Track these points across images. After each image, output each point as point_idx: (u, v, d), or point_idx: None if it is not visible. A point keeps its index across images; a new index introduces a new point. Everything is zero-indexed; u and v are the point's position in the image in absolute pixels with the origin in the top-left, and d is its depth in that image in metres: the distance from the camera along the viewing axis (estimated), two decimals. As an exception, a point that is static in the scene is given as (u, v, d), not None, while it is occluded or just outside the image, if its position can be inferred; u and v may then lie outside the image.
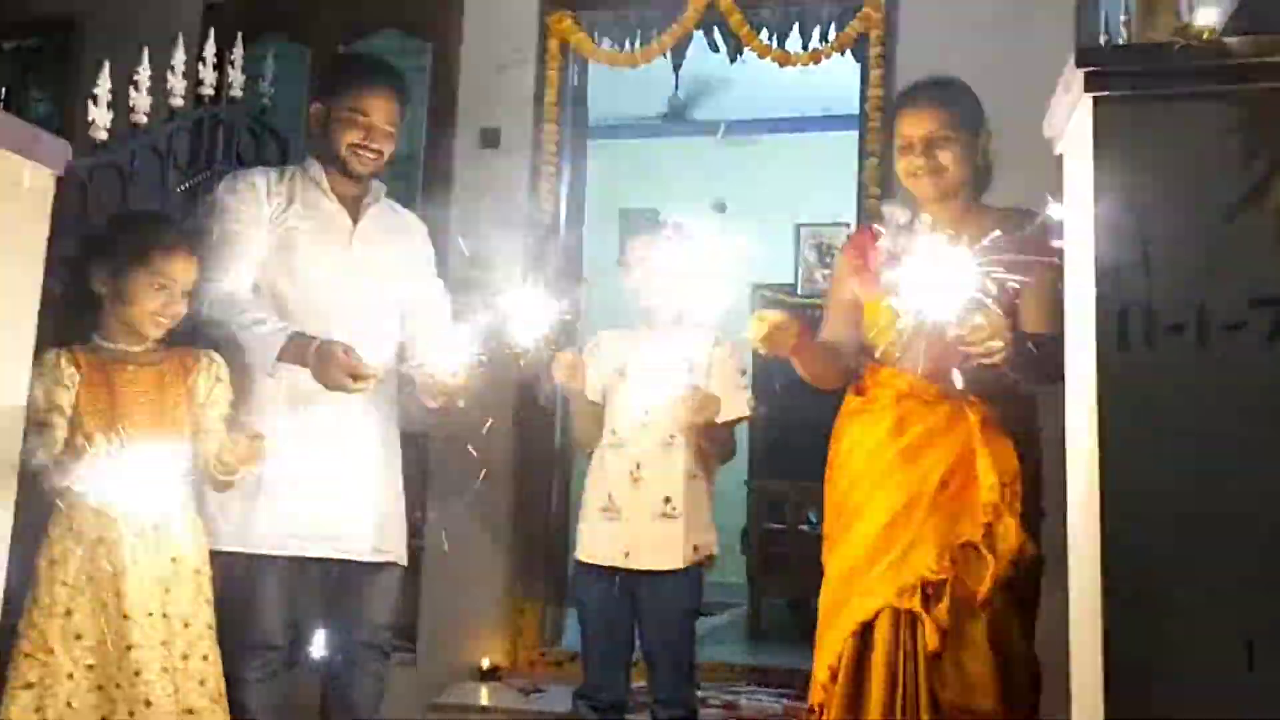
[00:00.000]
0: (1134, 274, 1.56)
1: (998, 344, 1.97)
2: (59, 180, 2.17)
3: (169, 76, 2.73)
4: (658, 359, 2.60)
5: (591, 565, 2.66)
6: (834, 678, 2.20)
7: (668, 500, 2.60)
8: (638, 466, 2.62)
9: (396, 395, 2.69)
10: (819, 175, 5.78)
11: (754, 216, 6.84)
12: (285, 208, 2.56)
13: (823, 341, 2.43)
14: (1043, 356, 1.97)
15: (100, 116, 2.45)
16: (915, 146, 2.31)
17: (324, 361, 2.32)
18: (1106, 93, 1.60)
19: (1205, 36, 1.57)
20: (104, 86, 2.47)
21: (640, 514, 2.60)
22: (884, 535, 2.20)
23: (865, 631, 2.18)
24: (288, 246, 2.54)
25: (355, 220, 2.63)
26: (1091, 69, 1.60)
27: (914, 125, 2.32)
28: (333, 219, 2.61)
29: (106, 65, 2.49)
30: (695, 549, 2.62)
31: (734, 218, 6.90)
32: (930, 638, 2.10)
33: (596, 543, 2.66)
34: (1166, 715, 1.49)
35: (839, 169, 4.04)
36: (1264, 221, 1.54)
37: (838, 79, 3.92)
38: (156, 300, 2.27)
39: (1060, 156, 1.85)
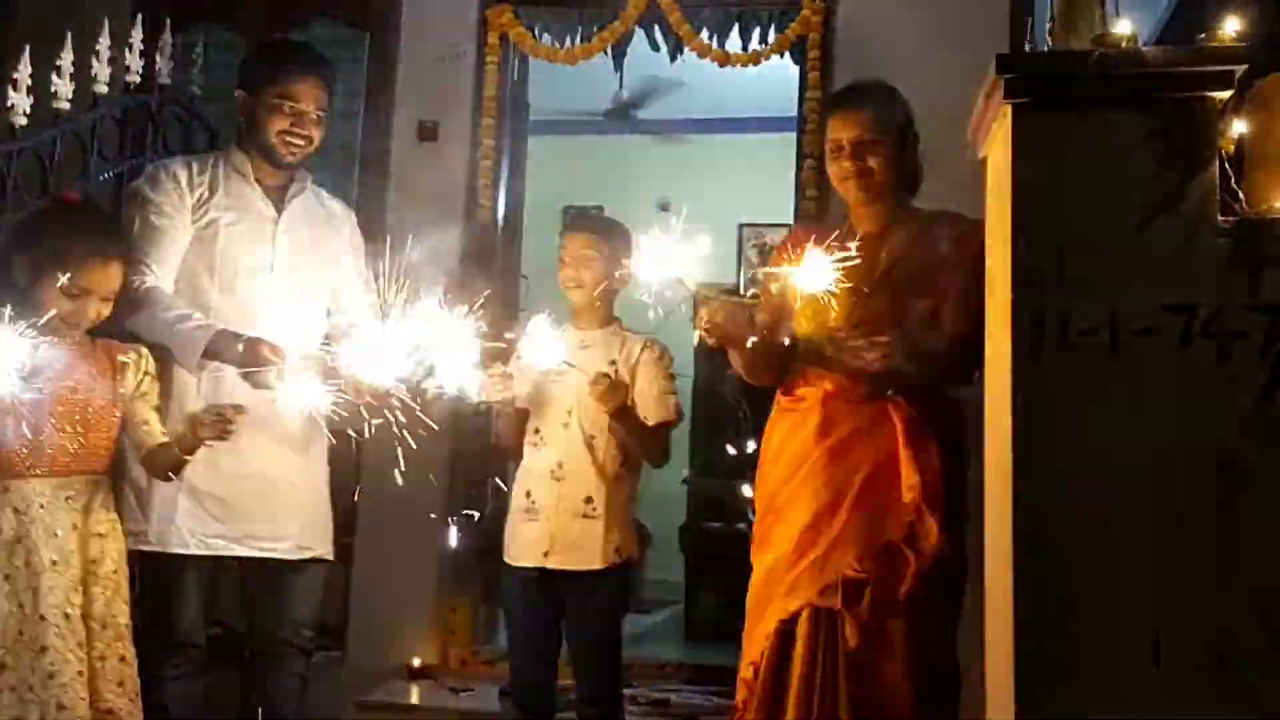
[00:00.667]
0: (1049, 278, 1.59)
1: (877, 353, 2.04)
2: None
3: (94, 63, 2.66)
4: (583, 360, 2.60)
5: (516, 566, 2.65)
6: (756, 675, 2.21)
7: (589, 500, 2.59)
8: (559, 465, 2.61)
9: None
10: (762, 175, 5.80)
11: (697, 216, 6.90)
12: (208, 198, 2.51)
13: (757, 338, 2.43)
14: (942, 358, 1.99)
15: (20, 102, 2.40)
16: (844, 149, 2.33)
17: (251, 360, 2.27)
18: (1025, 100, 1.62)
19: (1123, 45, 1.60)
20: (24, 72, 2.42)
21: (560, 513, 2.60)
22: (807, 534, 2.21)
23: (787, 629, 2.19)
24: (210, 238, 2.49)
25: (280, 210, 2.59)
26: (1011, 76, 1.62)
27: (843, 129, 2.34)
28: (257, 209, 2.57)
29: (27, 50, 2.44)
30: (616, 550, 2.62)
31: (677, 216, 6.93)
32: (850, 636, 2.11)
33: (518, 543, 2.65)
34: (1077, 712, 1.51)
35: (781, 169, 4.05)
36: (1177, 229, 1.57)
37: (780, 80, 3.94)
38: (66, 305, 2.20)
39: (983, 161, 1.87)
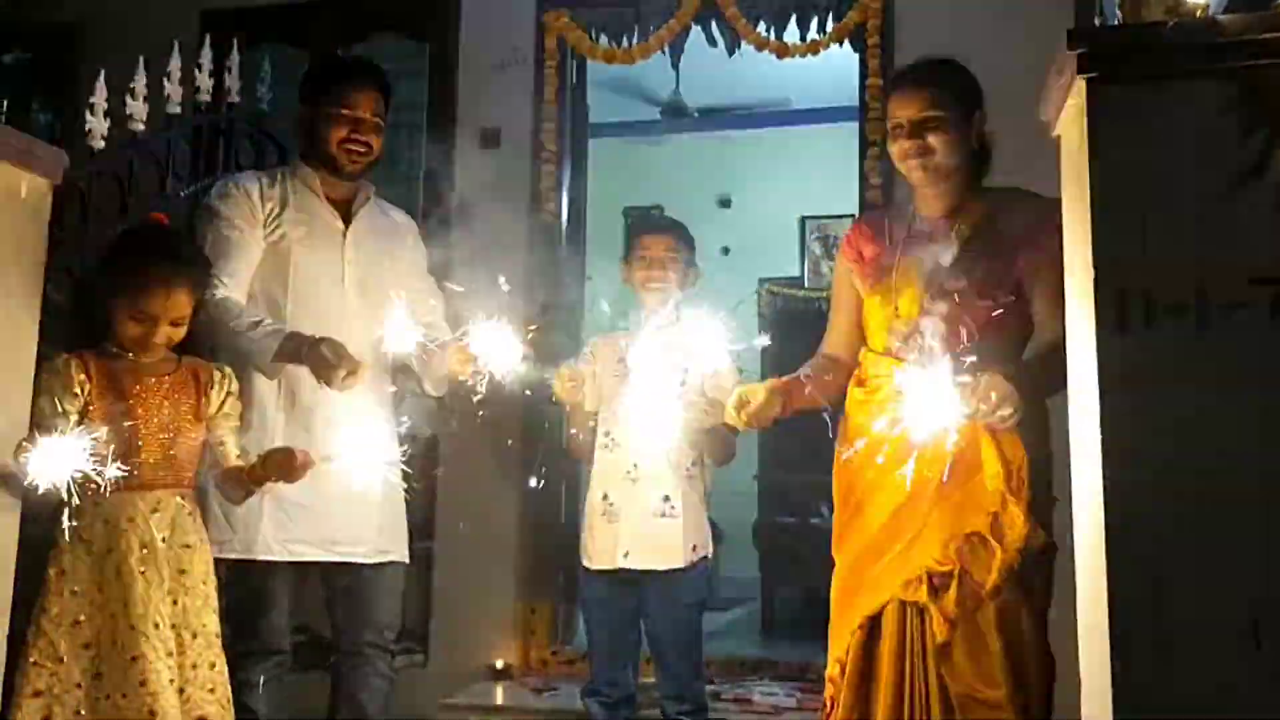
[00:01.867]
0: (1131, 256, 1.55)
1: (1008, 410, 1.97)
2: (58, 190, 2.18)
3: (165, 84, 2.73)
4: (650, 360, 2.59)
5: (596, 569, 2.66)
6: (843, 671, 2.18)
7: (666, 499, 2.60)
8: (635, 466, 2.62)
9: (392, 396, 2.68)
10: (823, 167, 5.78)
11: (759, 211, 6.88)
12: (278, 212, 2.56)
13: (813, 376, 2.39)
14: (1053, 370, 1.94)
15: (97, 125, 2.46)
16: (904, 129, 2.25)
17: (316, 358, 2.32)
18: (1099, 74, 1.58)
19: (1198, 14, 1.56)
20: (100, 95, 2.47)
21: (639, 514, 2.61)
22: (889, 527, 2.17)
23: (873, 624, 2.16)
24: (282, 251, 2.54)
25: (347, 222, 2.63)
26: (1083, 50, 1.58)
27: (903, 107, 2.27)
28: (325, 222, 2.61)
29: (102, 74, 2.50)
30: (694, 548, 2.62)
31: (739, 213, 6.90)
32: (938, 629, 2.08)
33: (597, 545, 2.67)
34: (1174, 698, 1.48)
35: (843, 161, 4.03)
36: (1262, 199, 1.52)
37: (840, 69, 3.91)
38: (137, 330, 2.24)
39: (1057, 139, 1.83)
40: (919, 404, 1.98)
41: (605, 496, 2.66)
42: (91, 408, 2.18)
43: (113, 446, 2.13)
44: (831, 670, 2.23)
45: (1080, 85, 1.61)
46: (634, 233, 2.80)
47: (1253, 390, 1.50)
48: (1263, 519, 1.48)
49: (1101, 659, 1.53)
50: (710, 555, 2.70)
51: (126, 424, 2.19)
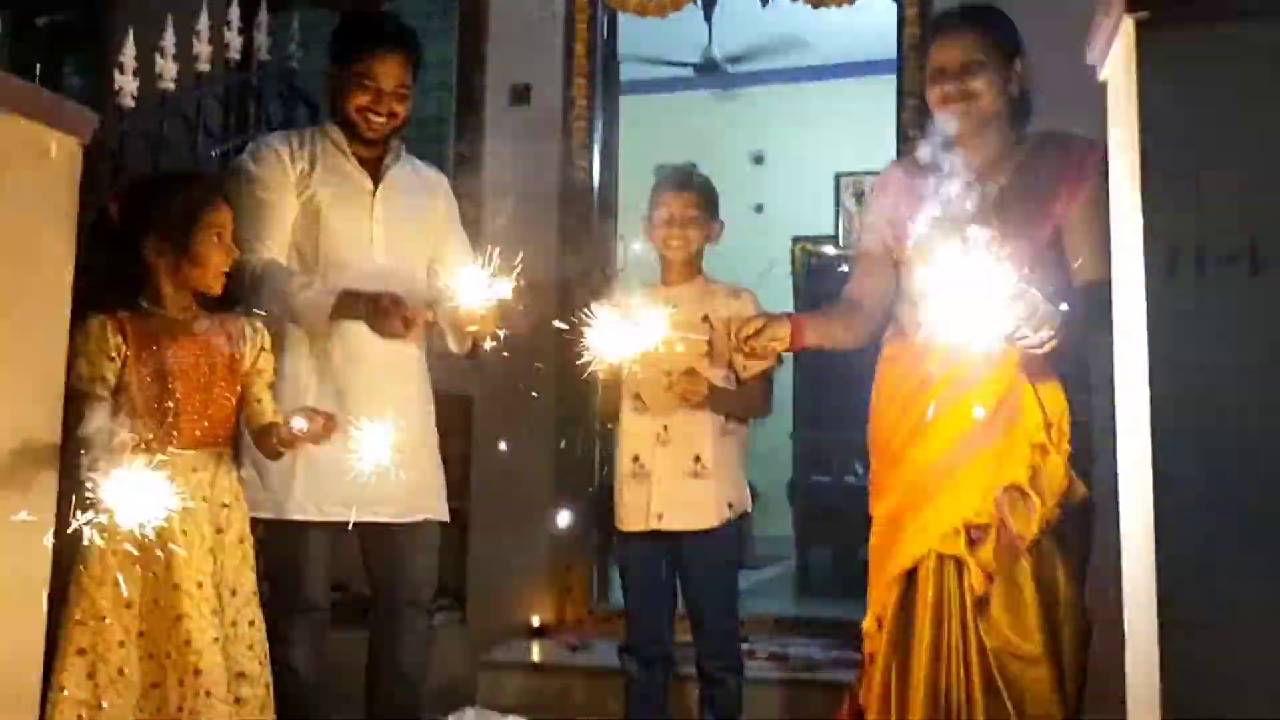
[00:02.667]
0: (1183, 206, 1.50)
1: (1047, 333, 1.92)
2: (89, 150, 2.17)
3: (195, 43, 2.71)
4: (675, 318, 2.57)
5: (629, 531, 2.65)
6: (881, 626, 2.17)
7: (697, 459, 2.59)
8: (665, 429, 2.60)
9: (426, 354, 2.68)
10: (858, 123, 5.69)
11: (793, 167, 6.80)
12: (308, 172, 2.55)
13: (829, 313, 2.36)
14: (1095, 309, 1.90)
15: (126, 84, 2.45)
16: (946, 73, 2.22)
17: (377, 312, 2.32)
18: (1148, 15, 1.53)
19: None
20: (129, 54, 2.46)
21: (670, 475, 2.59)
22: (926, 480, 2.15)
23: (910, 578, 2.14)
24: (312, 212, 2.53)
25: (377, 182, 2.62)
26: (1133, -10, 1.52)
27: (945, 52, 2.23)
28: (354, 181, 2.60)
29: (131, 33, 2.49)
30: (729, 506, 2.60)
31: (772, 169, 6.83)
32: (975, 582, 2.06)
33: (629, 508, 2.65)
34: (1224, 657, 1.45)
35: (878, 115, 3.96)
36: (1320, 145, 1.47)
37: (875, 22, 3.84)
38: (220, 254, 2.24)
39: (1104, 84, 1.77)
40: (960, 320, 1.93)
41: (636, 459, 2.64)
42: (128, 369, 2.17)
43: (151, 406, 2.15)
44: (869, 625, 2.23)
45: (1129, 26, 1.56)
46: (655, 190, 2.73)
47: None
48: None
49: (1148, 619, 1.51)
50: (749, 512, 2.68)
51: (164, 383, 2.19)
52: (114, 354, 2.16)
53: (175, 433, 2.19)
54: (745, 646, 2.83)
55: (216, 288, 2.27)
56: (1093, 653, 2.11)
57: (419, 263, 2.64)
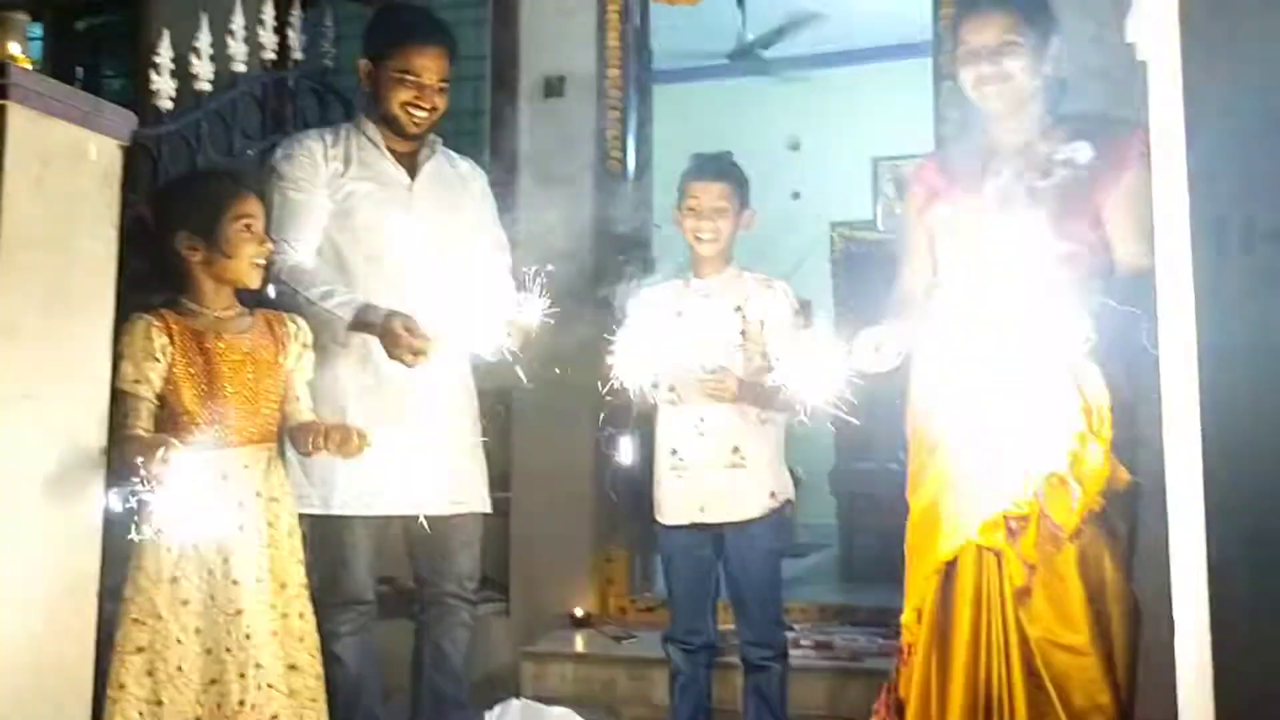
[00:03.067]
0: (1229, 180, 1.47)
1: (1083, 338, 1.93)
2: (129, 152, 2.20)
3: (229, 42, 2.73)
4: (707, 310, 2.54)
5: (671, 525, 2.64)
6: (920, 618, 2.15)
7: (736, 450, 2.57)
8: (701, 420, 2.58)
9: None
10: (895, 107, 5.62)
11: (829, 153, 6.75)
12: (343, 170, 2.56)
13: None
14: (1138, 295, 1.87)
15: (164, 86, 2.47)
16: (980, 54, 2.19)
17: (385, 336, 2.31)
18: (1192, -13, 1.49)
19: (1300, -81, 1.45)
20: (165, 55, 2.48)
21: (710, 467, 2.58)
22: (964, 470, 2.13)
23: (949, 569, 2.12)
24: (348, 209, 2.54)
25: (413, 176, 2.62)
26: (1175, -37, 1.49)
27: (978, 32, 2.20)
28: (391, 177, 2.60)
29: (166, 34, 2.50)
30: (772, 495, 2.59)
31: (809, 156, 6.78)
32: (1015, 573, 2.04)
33: (670, 502, 2.64)
34: (1276, 655, 1.42)
35: (916, 99, 3.91)
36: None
37: (909, 3, 3.80)
38: (251, 245, 2.25)
39: (1144, 62, 1.74)
40: (999, 329, 1.91)
41: (674, 452, 2.63)
42: (175, 369, 2.19)
43: (199, 405, 2.17)
44: (908, 617, 2.21)
45: (1172, 5, 1.53)
46: (684, 179, 2.69)
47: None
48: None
49: (1199, 604, 1.48)
50: (792, 499, 2.67)
51: (211, 382, 2.21)
52: (159, 355, 2.18)
53: (224, 430, 2.21)
54: (789, 635, 2.81)
55: (253, 280, 2.29)
56: (1144, 642, 2.08)
57: (457, 255, 2.63)
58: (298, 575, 2.31)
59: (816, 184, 6.54)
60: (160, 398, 2.19)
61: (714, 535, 2.62)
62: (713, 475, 2.58)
